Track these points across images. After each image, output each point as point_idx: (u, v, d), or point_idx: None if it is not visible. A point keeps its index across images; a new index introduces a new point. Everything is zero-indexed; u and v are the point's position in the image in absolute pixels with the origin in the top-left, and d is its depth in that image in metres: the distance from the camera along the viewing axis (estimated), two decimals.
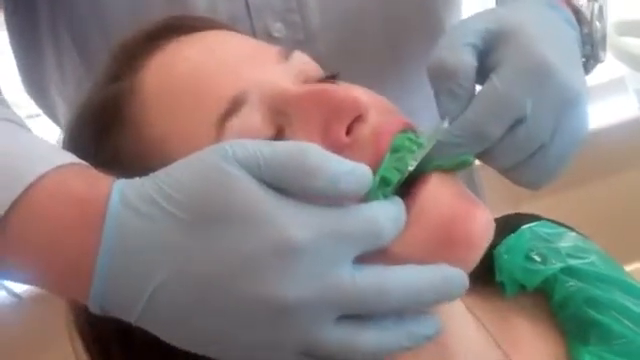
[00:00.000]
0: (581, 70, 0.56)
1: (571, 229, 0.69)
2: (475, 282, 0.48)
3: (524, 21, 0.52)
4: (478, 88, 0.52)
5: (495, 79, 0.50)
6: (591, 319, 0.60)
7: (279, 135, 0.48)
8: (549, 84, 0.50)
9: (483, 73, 0.51)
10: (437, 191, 0.47)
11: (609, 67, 1.54)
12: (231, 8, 0.73)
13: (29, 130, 0.52)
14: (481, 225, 0.48)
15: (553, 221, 0.69)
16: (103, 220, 0.42)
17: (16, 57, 0.86)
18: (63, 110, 0.85)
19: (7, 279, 0.49)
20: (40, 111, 0.91)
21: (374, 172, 0.45)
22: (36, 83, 0.86)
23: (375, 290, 0.43)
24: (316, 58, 0.55)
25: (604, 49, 0.64)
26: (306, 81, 0.52)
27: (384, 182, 0.46)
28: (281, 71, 0.51)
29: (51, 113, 0.89)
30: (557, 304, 0.62)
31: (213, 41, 0.54)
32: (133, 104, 0.51)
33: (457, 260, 0.46)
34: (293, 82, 0.51)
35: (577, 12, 0.61)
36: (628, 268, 0.69)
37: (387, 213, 0.44)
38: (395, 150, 0.48)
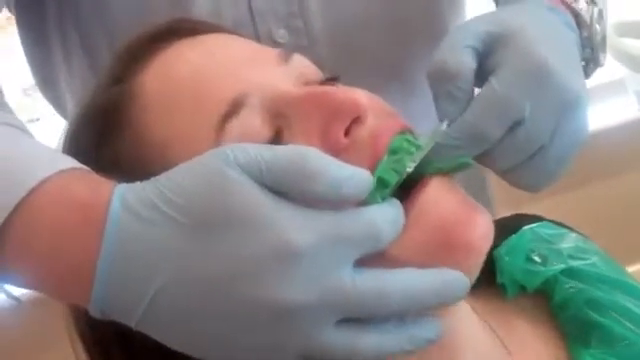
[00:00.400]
0: (581, 72, 0.56)
1: (572, 230, 0.68)
2: (475, 284, 0.48)
3: (524, 24, 0.52)
4: (477, 92, 0.52)
5: (494, 81, 0.50)
6: (592, 321, 0.60)
7: (277, 137, 0.48)
8: (548, 86, 0.50)
9: (483, 76, 0.51)
10: (436, 194, 0.47)
11: (608, 68, 1.54)
12: (235, 13, 0.73)
13: (31, 135, 0.52)
14: (481, 230, 0.47)
15: (554, 222, 0.69)
16: (104, 225, 0.42)
17: (25, 51, 0.86)
18: (71, 104, 0.85)
19: (7, 283, 0.49)
20: (40, 115, 0.92)
21: (372, 174, 0.45)
22: (45, 76, 0.86)
23: (375, 293, 0.42)
24: (319, 62, 0.54)
25: (604, 52, 0.64)
26: (306, 84, 0.52)
27: (382, 183, 0.46)
28: (281, 73, 0.51)
29: (58, 104, 0.89)
30: (557, 305, 0.62)
31: (213, 44, 0.54)
32: (133, 108, 0.51)
33: (456, 264, 0.45)
34: (293, 84, 0.51)
35: (577, 15, 0.61)
36: (629, 269, 0.69)
37: (385, 215, 0.44)
38: (393, 152, 0.48)
